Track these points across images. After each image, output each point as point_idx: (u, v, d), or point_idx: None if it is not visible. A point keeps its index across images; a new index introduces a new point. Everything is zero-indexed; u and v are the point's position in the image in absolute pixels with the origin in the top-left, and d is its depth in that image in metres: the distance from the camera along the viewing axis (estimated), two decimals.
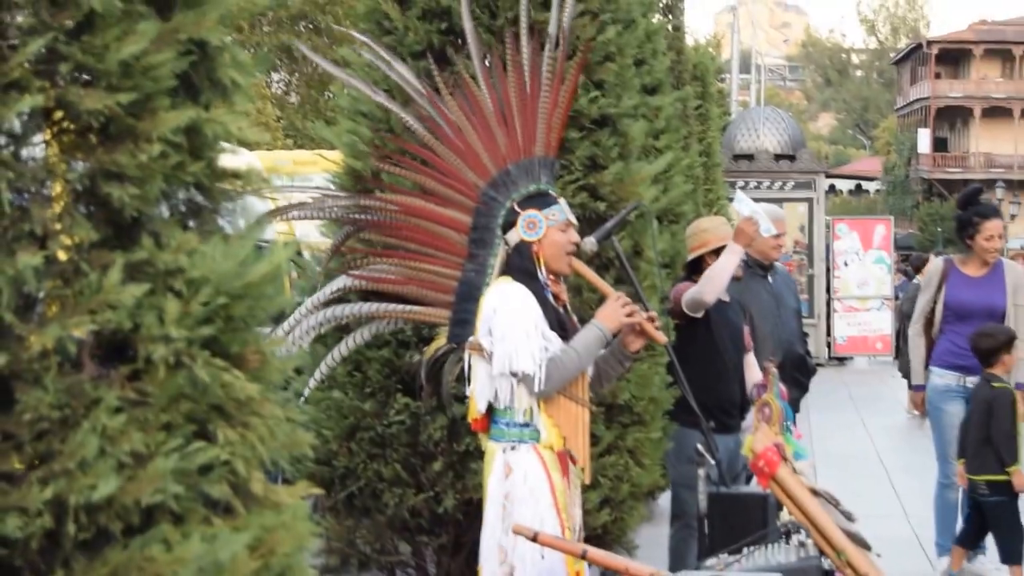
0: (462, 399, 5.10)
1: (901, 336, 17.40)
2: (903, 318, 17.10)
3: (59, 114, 2.26)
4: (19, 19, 2.22)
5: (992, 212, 8.02)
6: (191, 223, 2.53)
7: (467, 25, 5.01)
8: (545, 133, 4.93)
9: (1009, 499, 7.44)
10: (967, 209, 8.04)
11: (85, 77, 2.26)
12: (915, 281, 17.84)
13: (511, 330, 4.59)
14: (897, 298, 25.27)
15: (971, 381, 7.70)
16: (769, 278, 7.63)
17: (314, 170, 6.72)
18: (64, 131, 2.29)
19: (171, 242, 2.38)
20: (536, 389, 4.60)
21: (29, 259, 2.19)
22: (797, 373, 8.23)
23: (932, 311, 7.97)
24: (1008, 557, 7.43)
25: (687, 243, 7.04)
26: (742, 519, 5.13)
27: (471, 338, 4.68)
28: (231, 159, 2.58)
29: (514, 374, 4.57)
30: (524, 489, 4.64)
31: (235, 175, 2.54)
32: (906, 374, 16.94)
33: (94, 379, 2.28)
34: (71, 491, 2.21)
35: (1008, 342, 7.32)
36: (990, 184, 53.95)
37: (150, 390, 2.33)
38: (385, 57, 5.18)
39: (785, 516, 4.96)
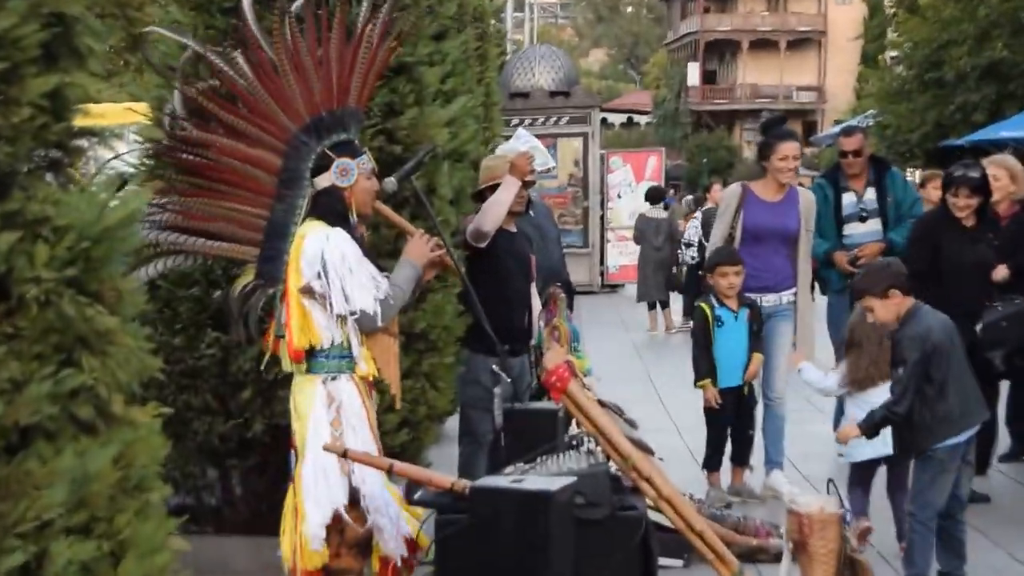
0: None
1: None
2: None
3: None
4: None
5: (788, 135, 7.93)
6: (49, 176, 2.74)
7: None
8: (360, 85, 5.08)
9: (708, 411, 7.61)
10: (767, 133, 7.98)
11: None
12: (705, 207, 17.93)
13: (348, 273, 4.77)
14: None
15: (767, 300, 7.69)
16: (530, 212, 7.66)
17: (106, 123, 6.57)
18: None
19: (38, 194, 2.60)
20: (375, 325, 4.81)
21: None
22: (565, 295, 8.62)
23: (731, 235, 7.85)
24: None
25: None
26: (534, 432, 5.27)
27: (304, 283, 4.79)
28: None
29: (353, 314, 4.76)
30: (348, 415, 4.83)
31: (91, 133, 2.76)
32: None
33: None
34: None
35: (715, 265, 7.57)
36: (755, 114, 54.84)
37: (23, 325, 2.55)
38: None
39: (574, 428, 5.20)
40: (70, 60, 2.66)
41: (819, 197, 8.30)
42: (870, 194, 8.40)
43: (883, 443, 6.09)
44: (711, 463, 7.72)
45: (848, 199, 8.42)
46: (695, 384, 7.64)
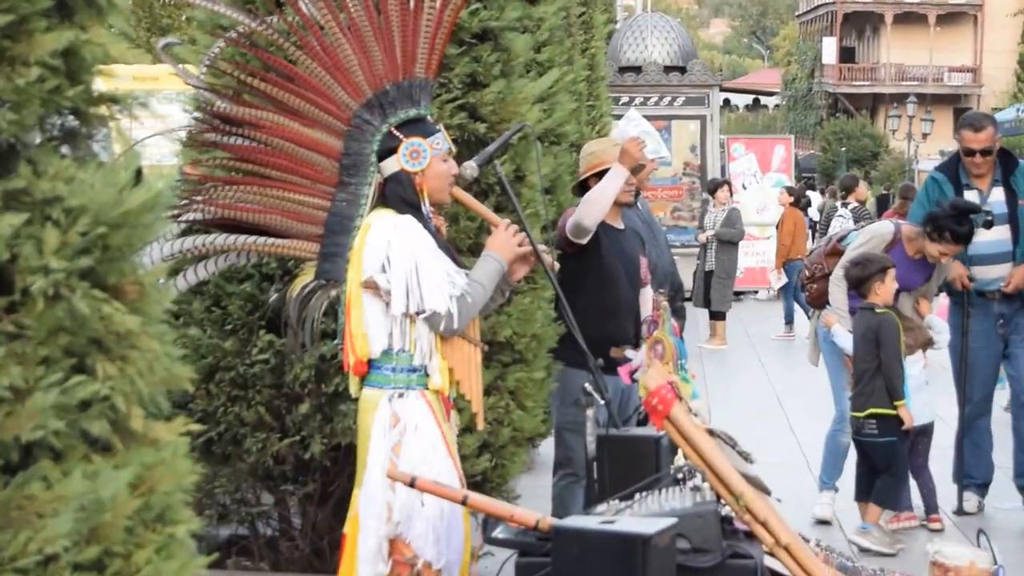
0: (331, 336, 5.27)
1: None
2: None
3: None
4: None
5: (965, 240, 7.91)
6: (65, 149, 2.68)
7: None
8: (427, 52, 5.01)
9: (898, 440, 7.65)
10: (955, 219, 7.83)
11: None
12: (852, 206, 18.21)
13: (417, 266, 4.72)
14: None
15: None
16: (638, 204, 7.76)
17: (158, 87, 6.62)
18: None
19: (49, 170, 2.53)
20: (451, 327, 4.74)
21: None
22: (680, 303, 8.66)
23: None
24: (880, 499, 7.71)
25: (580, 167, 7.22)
26: (633, 463, 5.26)
27: (366, 276, 4.75)
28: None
29: (420, 312, 4.71)
30: (415, 439, 4.76)
31: (112, 99, 2.70)
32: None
33: None
34: None
35: (881, 271, 7.60)
36: (900, 99, 54.11)
37: (28, 323, 2.49)
38: None
39: (679, 460, 5.11)
40: (87, 13, 2.61)
41: (934, 195, 8.25)
42: (997, 195, 8.25)
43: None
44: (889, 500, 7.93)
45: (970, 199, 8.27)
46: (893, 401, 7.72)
